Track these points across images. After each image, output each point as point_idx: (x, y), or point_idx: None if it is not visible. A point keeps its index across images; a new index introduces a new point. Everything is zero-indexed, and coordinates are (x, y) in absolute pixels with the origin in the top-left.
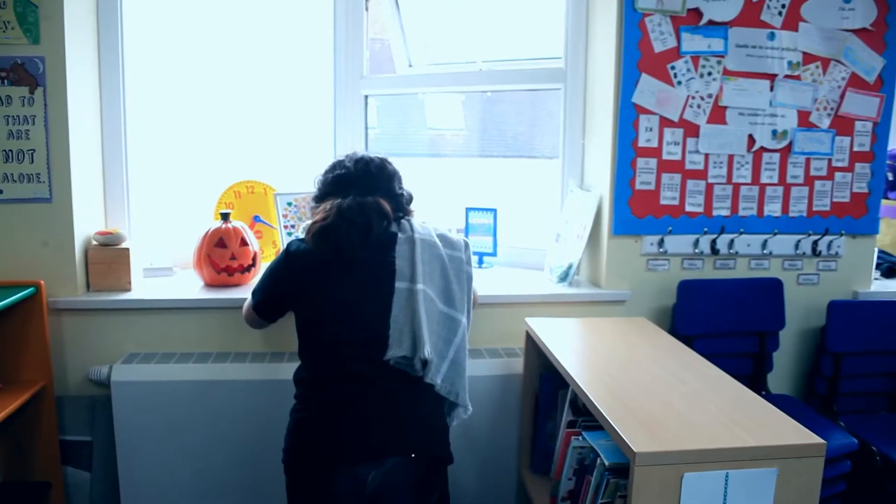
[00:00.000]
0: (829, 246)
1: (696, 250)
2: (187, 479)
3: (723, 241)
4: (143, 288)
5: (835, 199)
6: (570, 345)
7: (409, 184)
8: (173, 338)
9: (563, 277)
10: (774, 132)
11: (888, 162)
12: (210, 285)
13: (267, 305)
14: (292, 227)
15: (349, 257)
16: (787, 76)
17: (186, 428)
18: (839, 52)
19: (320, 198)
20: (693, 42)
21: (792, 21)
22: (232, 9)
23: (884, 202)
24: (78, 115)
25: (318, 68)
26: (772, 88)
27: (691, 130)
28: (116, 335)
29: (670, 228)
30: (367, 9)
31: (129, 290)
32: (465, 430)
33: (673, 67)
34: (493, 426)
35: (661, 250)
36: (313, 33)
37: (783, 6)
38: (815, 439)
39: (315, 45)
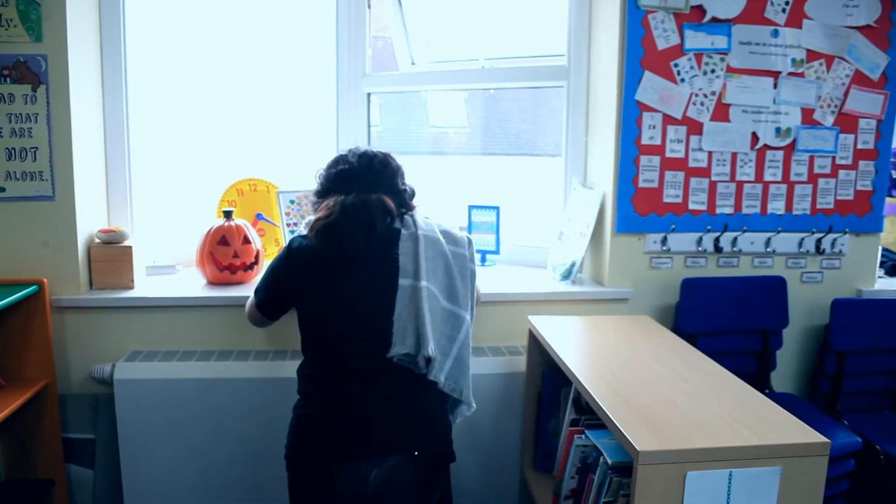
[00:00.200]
0: (833, 244)
1: (700, 248)
2: (190, 477)
3: (726, 239)
4: (145, 286)
5: (838, 197)
6: (573, 343)
7: (411, 181)
8: (176, 336)
9: (566, 275)
10: (778, 130)
11: (892, 159)
12: (213, 283)
13: (269, 303)
14: (295, 224)
15: (352, 254)
16: (790, 73)
17: (189, 426)
18: (843, 50)
19: (322, 193)
20: (696, 39)
21: (796, 18)
22: (234, 6)
23: (888, 200)
24: (80, 112)
25: (320, 66)
26: (775, 86)
27: (694, 128)
28: (119, 333)
29: (673, 226)
30: (369, 6)
31: (131, 288)
32: (468, 427)
33: (676, 65)
34: (495, 424)
35: (664, 248)
36: (316, 31)
37: (787, 3)
38: (819, 438)
39: (318, 42)
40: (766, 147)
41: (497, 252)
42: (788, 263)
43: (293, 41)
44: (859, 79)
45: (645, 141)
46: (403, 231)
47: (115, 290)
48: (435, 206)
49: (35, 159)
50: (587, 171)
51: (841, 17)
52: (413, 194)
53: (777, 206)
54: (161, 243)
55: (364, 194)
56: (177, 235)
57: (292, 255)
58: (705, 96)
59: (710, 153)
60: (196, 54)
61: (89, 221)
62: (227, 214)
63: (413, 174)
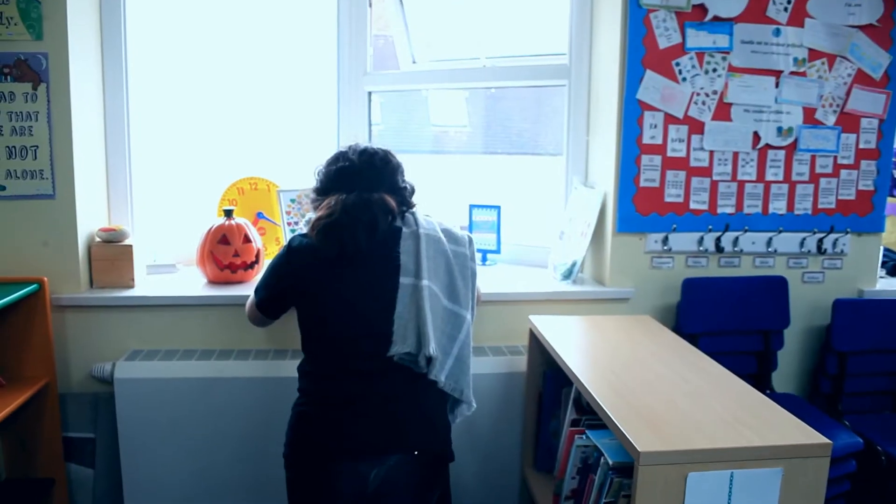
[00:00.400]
0: (835, 244)
1: (701, 248)
2: (190, 476)
3: (727, 239)
4: (146, 285)
5: (840, 197)
6: (573, 342)
7: (412, 179)
8: (176, 335)
9: (567, 275)
10: (780, 129)
11: (894, 159)
12: (213, 282)
13: (269, 301)
14: (295, 223)
15: (353, 254)
16: (792, 73)
17: (189, 425)
18: (845, 49)
19: (322, 191)
20: (698, 38)
21: (798, 17)
22: (235, 5)
23: (890, 200)
24: (81, 111)
25: (321, 64)
26: (777, 85)
27: (696, 127)
28: (119, 332)
29: (675, 226)
30: (370, 5)
31: (132, 286)
32: (469, 427)
33: (678, 64)
34: (496, 424)
35: (665, 248)
36: (317, 30)
37: (789, 2)
38: (821, 439)
39: (318, 41)
40: (768, 146)
41: (498, 251)
42: (790, 263)
43: (294, 39)
44: (861, 78)
45: (646, 140)
46: (404, 229)
47: (116, 289)
48: (436, 205)
49: (35, 158)
50: (588, 171)
51: (843, 16)
52: (413, 191)
53: (778, 206)
54: (161, 242)
55: (366, 193)
56: (177, 234)
57: (292, 254)
58: (707, 95)
59: (711, 152)
60: (197, 52)
61: (90, 220)
62: (228, 213)
63: (414, 173)
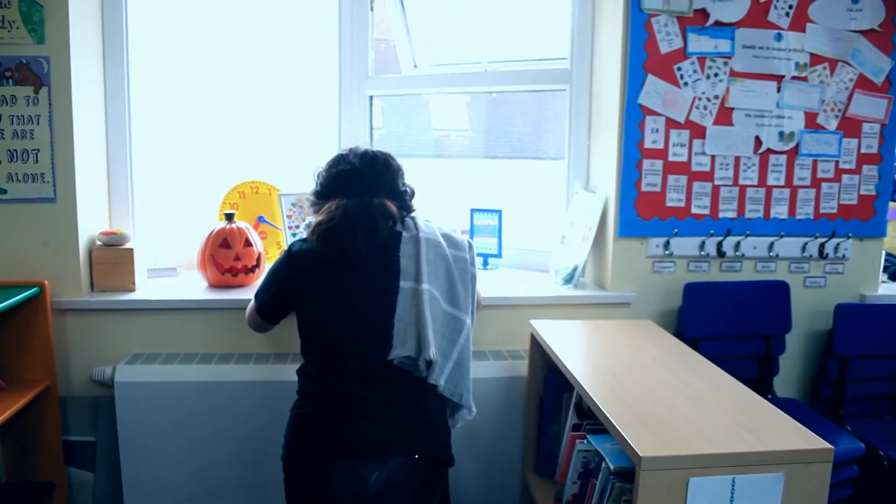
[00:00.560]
0: (836, 248)
1: (702, 252)
2: (191, 480)
3: (729, 244)
4: (146, 288)
5: (842, 202)
6: (575, 347)
7: (413, 183)
8: (177, 338)
9: (569, 279)
10: (781, 134)
11: None
12: (214, 286)
13: (270, 307)
14: (297, 227)
15: (353, 259)
16: (794, 77)
17: (190, 428)
18: (847, 54)
19: (322, 194)
20: (700, 43)
21: (799, 22)
22: (237, 9)
23: (891, 204)
24: (82, 114)
25: (322, 69)
26: (779, 90)
27: (697, 132)
28: (120, 336)
29: (676, 230)
30: (372, 9)
31: (132, 290)
32: (470, 432)
33: (679, 68)
34: (497, 428)
35: (666, 252)
36: (318, 33)
37: (790, 7)
38: (823, 444)
39: (320, 45)
40: (770, 151)
41: (499, 256)
42: (791, 268)
43: (296, 43)
44: (863, 83)
45: (648, 145)
46: (404, 233)
47: (117, 293)
48: (437, 209)
49: (37, 161)
50: (590, 175)
51: (845, 21)
52: (413, 194)
53: (780, 211)
54: (162, 246)
55: (367, 198)
56: (178, 238)
57: (292, 259)
58: (708, 100)
59: (713, 157)
60: (198, 57)
61: (91, 223)
62: (229, 217)
63: (415, 177)
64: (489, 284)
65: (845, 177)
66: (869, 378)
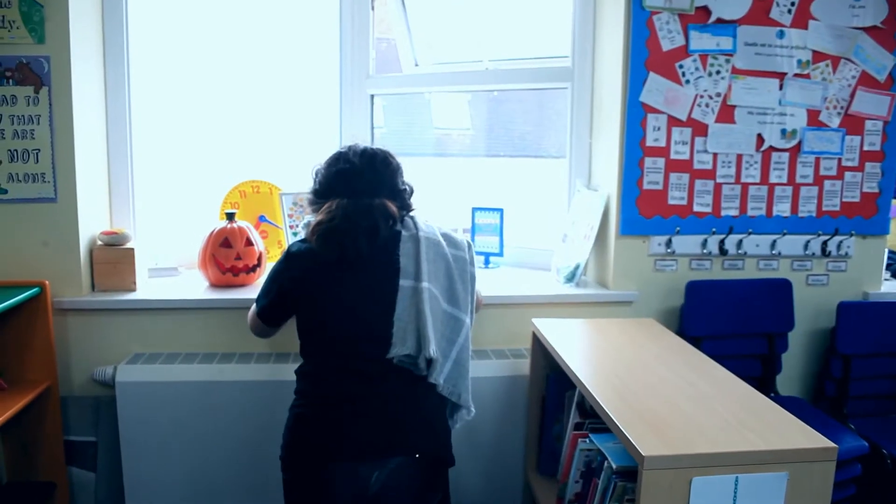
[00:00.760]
0: (839, 246)
1: (705, 251)
2: (192, 480)
3: (731, 242)
4: (147, 288)
5: (844, 199)
6: (577, 346)
7: (414, 183)
8: (178, 338)
9: (570, 278)
10: (784, 131)
11: None
12: (215, 285)
13: (271, 308)
14: (298, 226)
15: (353, 259)
16: (796, 75)
17: (191, 429)
18: (849, 51)
19: (321, 193)
20: (701, 40)
21: (801, 19)
22: (237, 8)
23: (894, 202)
24: (83, 114)
25: (324, 67)
26: (781, 87)
27: (699, 130)
28: (121, 335)
29: (678, 229)
30: (372, 8)
31: (133, 290)
32: (472, 431)
33: (681, 66)
34: (499, 427)
35: (668, 251)
36: (319, 33)
37: (792, 4)
38: (827, 443)
39: (321, 44)
40: (772, 149)
41: (501, 254)
42: (794, 266)
43: (296, 43)
44: (866, 80)
45: (649, 143)
46: (404, 232)
47: (118, 293)
48: (439, 208)
49: (37, 161)
50: (591, 173)
51: (847, 18)
52: (412, 192)
53: (783, 209)
54: (163, 245)
55: (367, 198)
56: (179, 237)
57: (291, 259)
58: (710, 98)
59: (715, 155)
60: (199, 56)
61: (91, 223)
62: (230, 216)
63: (416, 176)
64: (491, 283)
65: (848, 174)
66: (872, 376)
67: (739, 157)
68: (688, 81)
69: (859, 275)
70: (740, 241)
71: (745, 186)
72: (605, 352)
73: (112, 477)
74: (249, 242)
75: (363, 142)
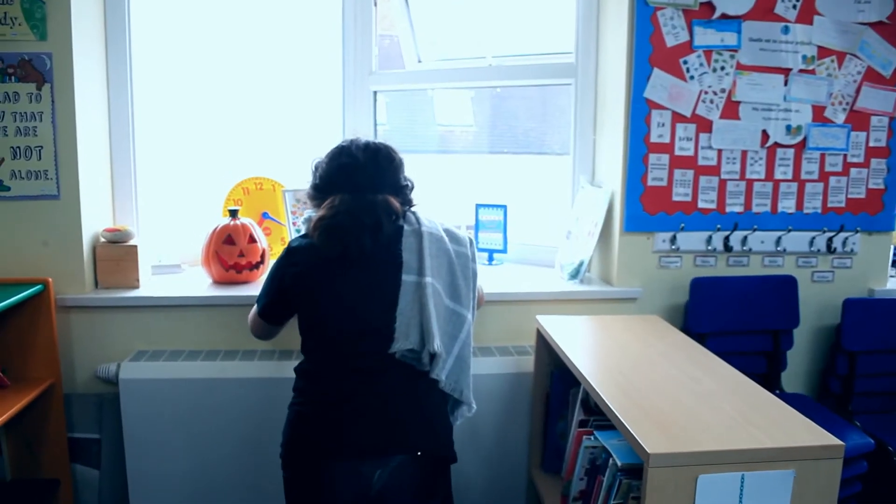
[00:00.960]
0: (844, 243)
1: (709, 247)
2: (196, 477)
3: (736, 238)
4: (151, 285)
5: (850, 196)
6: (581, 343)
7: (418, 180)
8: (182, 335)
9: (574, 275)
10: (788, 127)
11: None
12: (218, 282)
13: (272, 306)
14: (299, 223)
15: (356, 255)
16: (801, 70)
17: (195, 425)
18: (855, 46)
19: (322, 187)
20: (706, 36)
21: (806, 14)
22: (240, 4)
23: None
24: (85, 111)
25: (326, 64)
26: (786, 83)
27: (704, 126)
28: (125, 333)
29: (683, 225)
30: (375, 4)
31: (137, 287)
32: (476, 428)
33: (685, 62)
34: (503, 424)
35: (673, 247)
36: (322, 29)
37: None
38: (834, 440)
39: (324, 40)
40: (777, 145)
41: (504, 251)
42: (799, 263)
43: (299, 39)
44: (871, 76)
45: (654, 139)
46: (406, 227)
47: (121, 290)
48: (442, 205)
49: (40, 158)
50: (595, 170)
51: (853, 14)
52: (413, 188)
53: (788, 205)
54: (166, 242)
55: (370, 195)
56: (182, 234)
57: (292, 255)
58: (715, 94)
59: (719, 151)
60: (202, 52)
61: (94, 220)
62: (233, 213)
63: (420, 173)
64: (494, 280)
65: (853, 170)
66: (877, 373)
67: (744, 153)
68: (692, 77)
69: (865, 271)
70: (745, 238)
71: (749, 183)
72: (610, 349)
73: (116, 474)
74: (253, 239)
75: (364, 136)
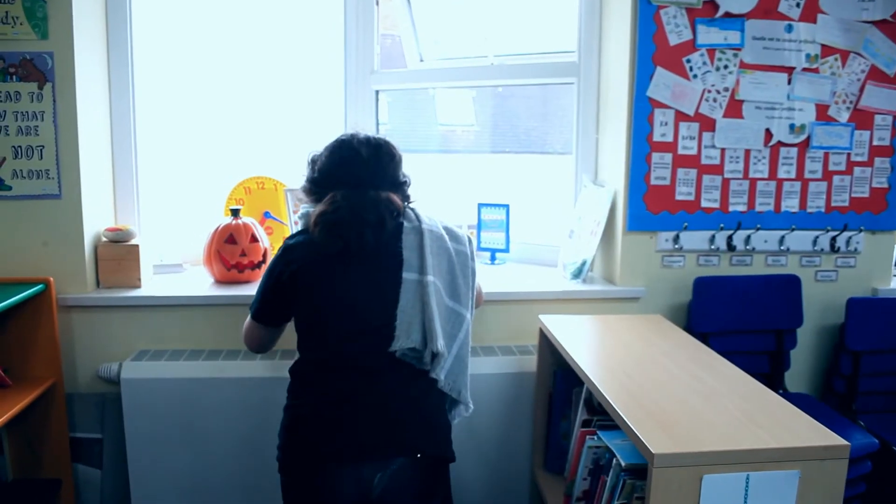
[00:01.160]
0: (848, 242)
1: (712, 246)
2: (198, 476)
3: (739, 238)
4: (152, 285)
5: (854, 195)
6: (584, 342)
7: (420, 180)
8: (183, 335)
9: (577, 274)
10: (792, 126)
11: None
12: (220, 282)
13: (269, 307)
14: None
15: (356, 252)
16: (805, 69)
17: (197, 425)
18: (858, 45)
19: (321, 181)
20: (709, 35)
21: (810, 13)
22: (242, 3)
23: None
24: (87, 110)
25: (328, 63)
26: (789, 82)
27: (707, 125)
28: (126, 332)
29: (686, 224)
30: (377, 3)
31: (138, 286)
32: (478, 428)
33: (688, 61)
34: (505, 424)
35: (676, 247)
36: (324, 28)
37: None
38: (839, 440)
39: (326, 40)
40: (780, 144)
41: (507, 250)
42: (803, 262)
43: (301, 38)
44: (875, 74)
45: (657, 138)
46: (406, 224)
47: (122, 289)
48: (444, 204)
49: (41, 157)
50: (598, 169)
51: (856, 12)
52: (410, 183)
53: (791, 204)
54: (168, 242)
55: (372, 191)
56: (184, 234)
57: (288, 252)
58: (718, 92)
59: (722, 150)
60: (203, 52)
61: (96, 220)
62: (235, 213)
63: (422, 172)
64: (497, 279)
65: (857, 169)
66: (881, 372)
67: (747, 152)
68: (695, 76)
69: (868, 270)
70: (748, 237)
71: (753, 182)
72: (613, 348)
73: (118, 473)
74: (254, 239)
75: (363, 131)
